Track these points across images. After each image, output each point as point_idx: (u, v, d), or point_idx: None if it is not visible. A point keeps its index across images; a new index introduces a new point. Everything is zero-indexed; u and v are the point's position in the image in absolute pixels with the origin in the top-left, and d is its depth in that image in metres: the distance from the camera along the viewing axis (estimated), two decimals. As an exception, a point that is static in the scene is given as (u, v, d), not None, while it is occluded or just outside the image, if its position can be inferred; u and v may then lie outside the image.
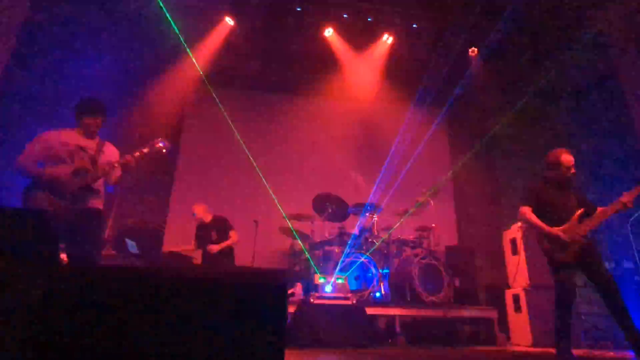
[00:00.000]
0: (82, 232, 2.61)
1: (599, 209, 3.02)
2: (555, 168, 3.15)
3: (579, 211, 2.99)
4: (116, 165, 2.78)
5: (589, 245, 2.94)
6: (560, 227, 2.96)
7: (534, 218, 3.07)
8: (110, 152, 2.96)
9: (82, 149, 2.77)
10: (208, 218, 4.97)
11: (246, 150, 7.15)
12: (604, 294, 2.86)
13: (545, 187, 3.18)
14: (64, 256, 2.75)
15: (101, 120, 2.89)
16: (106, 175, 2.84)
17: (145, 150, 2.91)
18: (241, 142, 7.20)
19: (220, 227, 4.91)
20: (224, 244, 4.78)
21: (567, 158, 3.13)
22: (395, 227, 5.46)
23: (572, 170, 3.13)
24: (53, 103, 4.89)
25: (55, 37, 5.19)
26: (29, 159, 2.64)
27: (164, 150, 2.99)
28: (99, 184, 2.83)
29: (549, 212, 3.07)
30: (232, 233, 4.90)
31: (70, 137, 2.80)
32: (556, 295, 2.97)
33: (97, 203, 2.79)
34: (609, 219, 3.02)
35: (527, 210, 3.12)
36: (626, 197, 2.90)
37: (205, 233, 4.91)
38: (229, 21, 6.28)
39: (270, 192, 6.82)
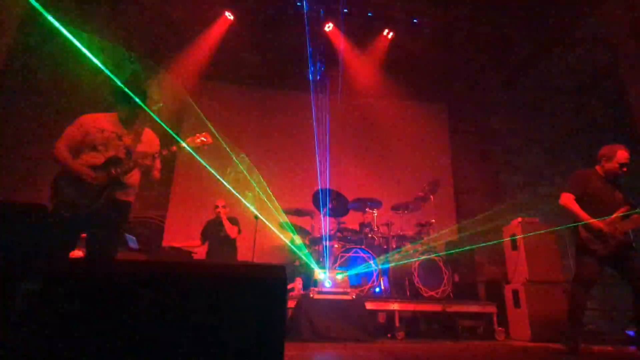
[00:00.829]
0: (104, 225, 2.51)
1: None
2: (609, 162, 3.16)
3: (625, 208, 3.00)
4: (148, 160, 2.60)
5: (627, 242, 2.95)
6: (603, 220, 2.96)
7: (576, 206, 3.06)
8: (149, 141, 2.77)
9: (118, 136, 2.61)
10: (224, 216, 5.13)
11: (246, 145, 7.15)
12: (636, 293, 2.86)
13: (595, 178, 3.18)
14: (79, 252, 2.73)
15: (139, 110, 2.67)
16: (143, 168, 2.64)
17: (182, 146, 2.73)
18: (241, 137, 7.20)
19: (232, 221, 5.11)
20: (230, 228, 4.99)
21: (623, 155, 3.15)
22: (395, 223, 5.47)
23: (625, 169, 3.14)
24: (54, 94, 4.87)
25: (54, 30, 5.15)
26: (64, 145, 2.51)
27: (206, 147, 2.82)
28: (133, 178, 2.65)
29: (593, 203, 3.07)
30: (237, 228, 5.12)
31: (108, 122, 2.64)
32: (575, 282, 2.98)
33: (125, 196, 2.64)
34: None
35: (570, 198, 3.10)
36: None
37: (216, 229, 5.06)
38: (229, 16, 6.25)
39: (271, 186, 6.83)
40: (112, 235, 2.58)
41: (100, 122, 2.62)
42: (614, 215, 2.97)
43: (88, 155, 2.54)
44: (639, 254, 2.99)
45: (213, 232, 5.10)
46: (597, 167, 3.25)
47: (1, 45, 4.10)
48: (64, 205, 2.37)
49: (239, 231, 5.13)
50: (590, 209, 3.03)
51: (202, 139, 2.81)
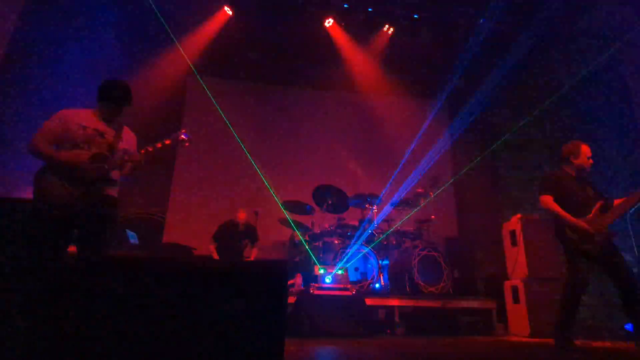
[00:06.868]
0: (97, 221, 2.49)
1: (616, 201, 2.98)
2: (576, 158, 3.15)
3: (600, 202, 2.97)
4: (135, 155, 2.63)
5: (610, 237, 2.93)
6: (584, 219, 2.94)
7: (558, 208, 3.02)
8: (129, 139, 2.80)
9: (100, 134, 2.60)
10: (243, 226, 5.20)
11: (246, 141, 7.14)
12: (622, 289, 2.85)
13: (566, 178, 3.15)
14: (72, 248, 2.71)
15: (123, 108, 2.70)
16: (123, 164, 2.66)
17: (167, 142, 2.77)
18: (241, 133, 7.19)
19: (251, 236, 5.21)
20: (254, 256, 5.14)
21: (587, 148, 3.14)
22: (395, 219, 5.47)
23: (591, 161, 3.13)
24: (50, 93, 4.86)
25: (51, 30, 5.14)
26: (44, 139, 2.46)
27: (187, 144, 2.86)
28: (115, 173, 2.67)
29: (569, 202, 3.03)
30: (257, 245, 5.24)
31: (89, 119, 2.61)
32: (569, 285, 2.96)
33: (113, 192, 2.65)
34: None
35: (549, 200, 3.07)
36: None
37: (236, 237, 5.13)
38: (228, 11, 6.21)
39: (270, 183, 6.83)
40: (105, 232, 2.55)
41: (81, 119, 2.58)
42: (593, 212, 2.95)
43: (71, 152, 2.48)
44: (620, 251, 2.97)
45: (231, 241, 5.13)
46: (565, 167, 3.22)
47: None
48: (53, 202, 2.34)
49: (256, 248, 5.22)
50: (567, 209, 3.00)
51: (183, 137, 2.84)
